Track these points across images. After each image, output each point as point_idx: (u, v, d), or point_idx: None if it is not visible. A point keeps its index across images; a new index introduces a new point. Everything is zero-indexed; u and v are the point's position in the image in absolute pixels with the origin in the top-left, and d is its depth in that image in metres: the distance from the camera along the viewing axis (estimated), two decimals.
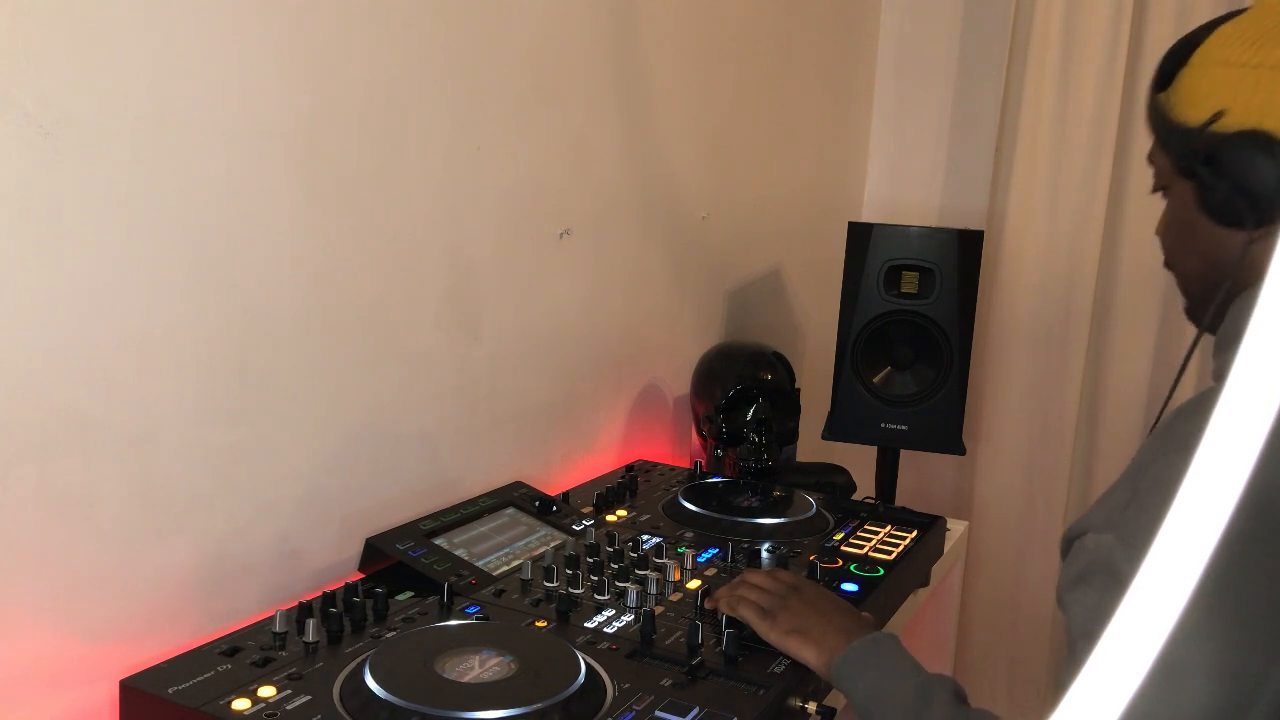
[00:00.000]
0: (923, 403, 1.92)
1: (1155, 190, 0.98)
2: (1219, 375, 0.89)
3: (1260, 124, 0.85)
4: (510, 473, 1.59)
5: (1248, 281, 0.89)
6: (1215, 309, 0.92)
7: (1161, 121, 0.94)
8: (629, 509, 1.58)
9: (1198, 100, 0.90)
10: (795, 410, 1.84)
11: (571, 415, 1.74)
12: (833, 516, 1.59)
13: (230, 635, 1.09)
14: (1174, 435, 0.83)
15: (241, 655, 1.05)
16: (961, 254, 1.89)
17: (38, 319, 0.95)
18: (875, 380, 1.95)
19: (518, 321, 1.57)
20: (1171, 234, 0.97)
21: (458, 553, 1.32)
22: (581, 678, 1.01)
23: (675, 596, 1.27)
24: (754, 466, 1.73)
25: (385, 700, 0.94)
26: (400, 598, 1.22)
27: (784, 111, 2.32)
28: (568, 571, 1.29)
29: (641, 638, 1.14)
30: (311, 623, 1.08)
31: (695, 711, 0.99)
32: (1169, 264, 1.00)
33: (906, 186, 2.78)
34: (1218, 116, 0.87)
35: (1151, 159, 0.97)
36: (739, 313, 2.22)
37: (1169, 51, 0.95)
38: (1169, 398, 1.01)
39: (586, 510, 1.55)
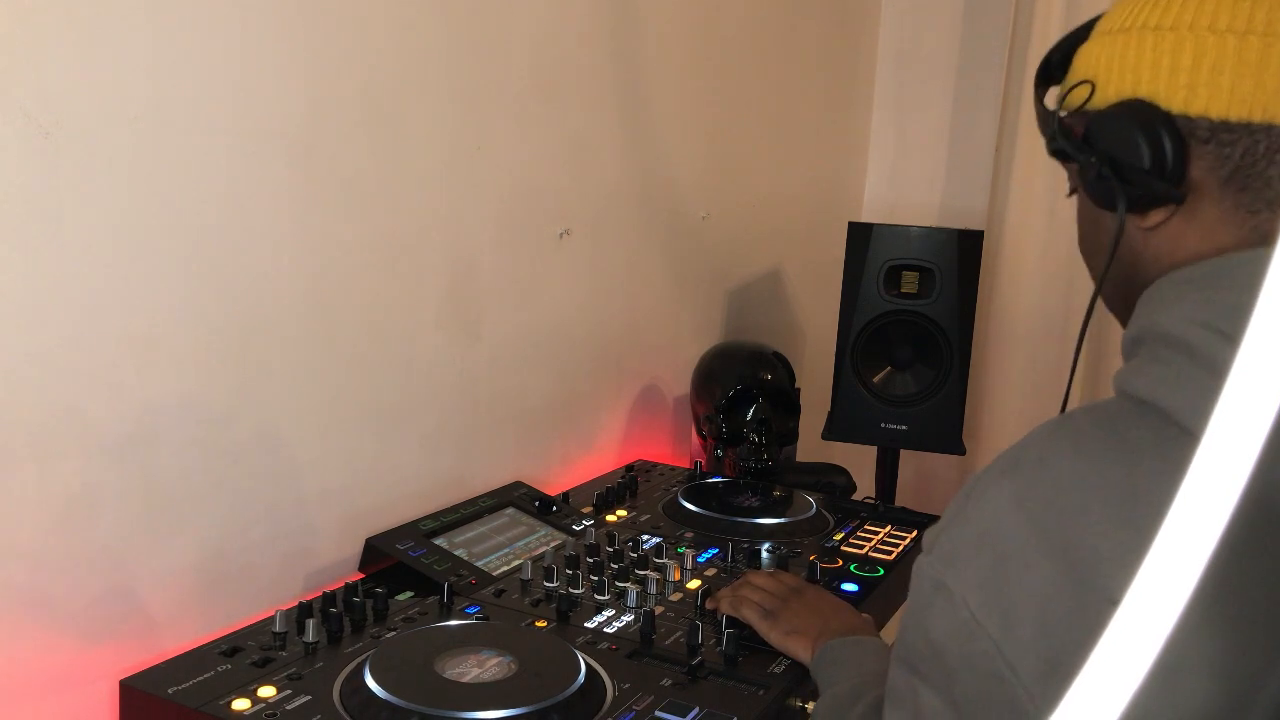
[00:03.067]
0: (923, 403, 1.92)
1: (1070, 194, 0.87)
2: (1116, 385, 0.76)
3: (1133, 91, 0.75)
4: (510, 473, 1.59)
5: (1149, 276, 0.78)
6: (1129, 314, 0.81)
7: (1039, 110, 0.84)
8: (629, 509, 1.58)
9: (1072, 79, 0.81)
10: (795, 410, 1.84)
11: (571, 415, 1.74)
12: (833, 516, 1.59)
13: (230, 635, 1.09)
14: (1006, 458, 0.74)
15: (241, 655, 1.05)
16: (961, 254, 1.89)
17: (38, 319, 0.95)
18: (875, 380, 1.95)
19: (518, 321, 1.57)
20: (1082, 237, 0.87)
21: (458, 553, 1.32)
22: (581, 678, 1.01)
23: (675, 596, 1.27)
24: (754, 466, 1.73)
25: (385, 700, 0.94)
26: (400, 598, 1.22)
27: (784, 111, 2.32)
28: (568, 571, 1.29)
29: (641, 638, 1.14)
30: (311, 623, 1.08)
31: (695, 711, 0.99)
32: (1089, 271, 0.88)
33: (906, 186, 2.78)
34: (1091, 92, 0.78)
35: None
36: (739, 313, 2.22)
37: (1055, 45, 0.85)
38: (1064, 404, 0.89)
39: (586, 510, 1.55)
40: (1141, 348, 0.76)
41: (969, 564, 0.70)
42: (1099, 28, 0.81)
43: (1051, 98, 0.85)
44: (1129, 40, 0.76)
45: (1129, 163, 0.74)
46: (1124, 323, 0.85)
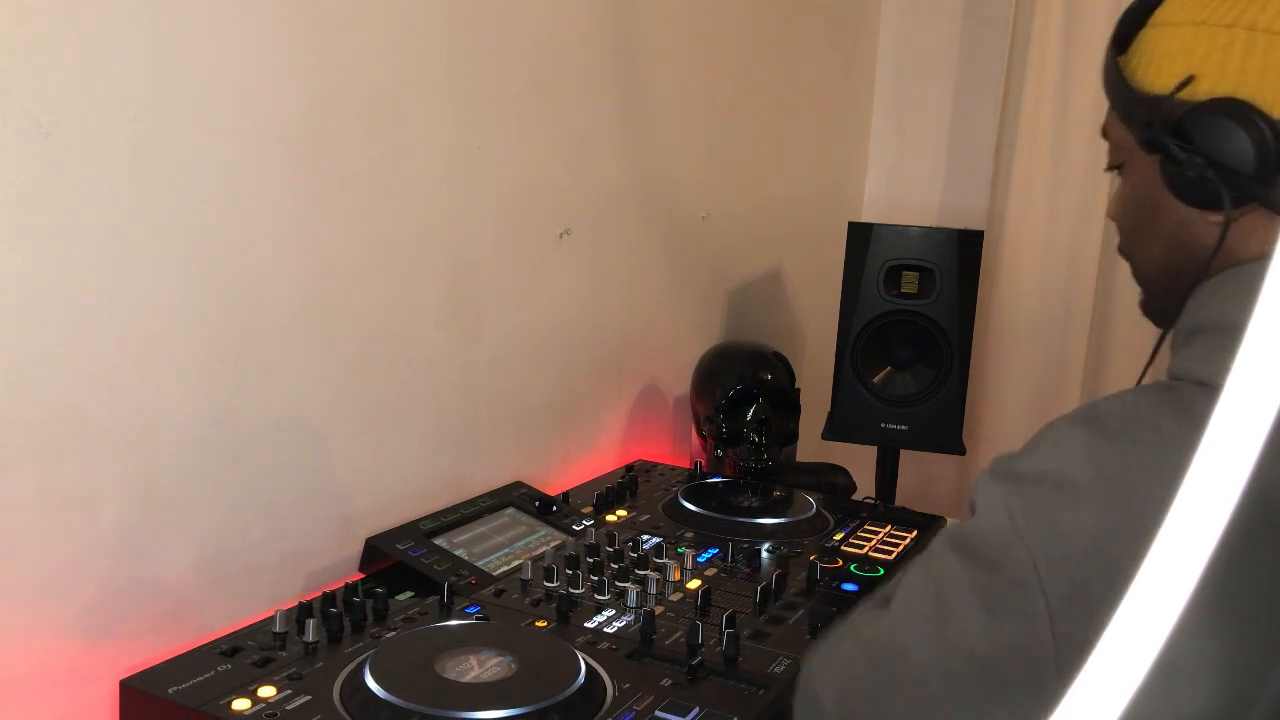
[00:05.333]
0: (923, 403, 1.92)
1: (1110, 168, 0.89)
2: (1177, 373, 0.79)
3: (1235, 91, 0.76)
4: (510, 473, 1.59)
5: (1214, 269, 0.80)
6: (1179, 299, 0.82)
7: (1121, 89, 0.83)
8: (629, 509, 1.58)
9: (1163, 64, 0.80)
10: (795, 410, 1.84)
11: (571, 415, 1.74)
12: (833, 516, 1.59)
13: (230, 635, 1.09)
14: (1085, 410, 0.77)
15: (241, 655, 1.05)
16: (961, 254, 1.89)
17: (38, 319, 0.95)
18: (875, 380, 1.95)
19: (518, 321, 1.57)
20: (1130, 214, 0.88)
21: (458, 553, 1.32)
22: (581, 678, 1.01)
23: (675, 596, 1.27)
24: (754, 466, 1.73)
25: (385, 700, 0.94)
26: (400, 598, 1.22)
27: (784, 111, 2.32)
28: (568, 571, 1.29)
29: (641, 638, 1.14)
30: (311, 623, 1.08)
31: (695, 711, 0.99)
32: (1125, 249, 0.90)
33: (906, 186, 2.77)
34: (1187, 82, 0.78)
35: (1106, 133, 0.88)
36: (739, 313, 2.22)
37: (1128, 9, 0.85)
38: None
39: (586, 510, 1.55)
40: (1204, 336, 0.78)
41: (1029, 487, 0.73)
42: (1188, 16, 0.80)
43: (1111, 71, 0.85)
44: (1235, 38, 0.77)
45: (1229, 164, 0.75)
46: (1159, 310, 0.88)
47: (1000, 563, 0.72)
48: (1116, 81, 0.84)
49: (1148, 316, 0.91)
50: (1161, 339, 0.86)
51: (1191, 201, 0.80)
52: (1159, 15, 0.83)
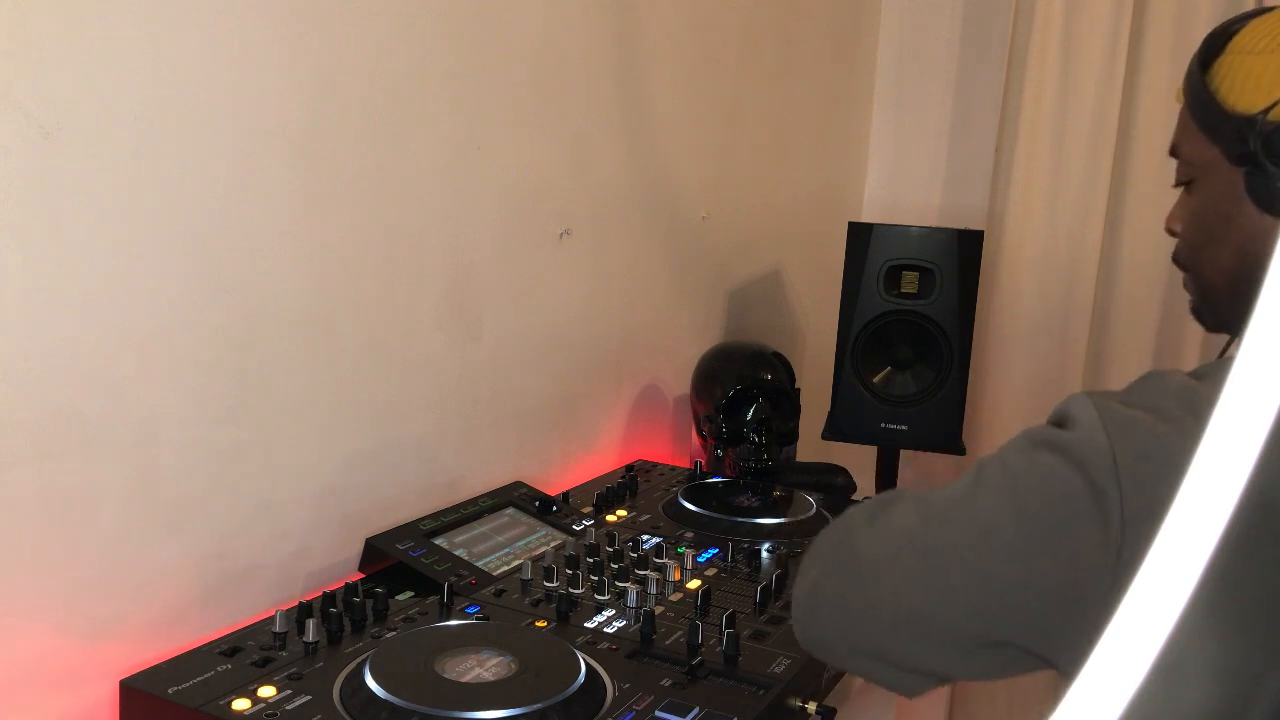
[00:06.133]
0: (923, 403, 1.92)
1: (1180, 183, 0.94)
2: None
3: None
4: (510, 473, 1.59)
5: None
6: (1245, 305, 0.88)
7: (1211, 107, 0.90)
8: (629, 509, 1.58)
9: (1247, 86, 0.88)
10: (795, 410, 1.84)
11: (571, 415, 1.74)
12: (833, 516, 1.59)
13: (230, 635, 1.09)
14: (1030, 431, 0.82)
15: (241, 655, 1.05)
16: (961, 254, 1.89)
17: (38, 319, 0.95)
18: (875, 380, 1.95)
19: (518, 321, 1.57)
20: (1200, 226, 0.93)
21: (458, 553, 1.32)
22: (581, 678, 1.01)
23: (675, 596, 1.27)
24: (754, 466, 1.73)
25: (385, 700, 0.94)
26: (400, 598, 1.22)
27: (784, 111, 2.32)
28: (568, 571, 1.29)
29: (641, 638, 1.14)
30: (311, 623, 1.08)
31: (695, 711, 0.99)
32: (1188, 259, 0.95)
33: (906, 186, 2.77)
34: (1277, 104, 0.85)
35: (1177, 151, 0.94)
36: (739, 313, 2.22)
37: (1210, 37, 0.92)
38: None
39: (586, 510, 1.55)
40: None
41: (1124, 409, 0.77)
42: (1269, 45, 0.88)
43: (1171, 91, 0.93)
44: None
45: None
46: (1220, 318, 0.94)
47: (1086, 463, 0.75)
48: (1206, 100, 0.90)
49: (1203, 321, 0.97)
50: (1230, 343, 0.93)
51: (1273, 210, 0.86)
52: (1240, 44, 0.89)
